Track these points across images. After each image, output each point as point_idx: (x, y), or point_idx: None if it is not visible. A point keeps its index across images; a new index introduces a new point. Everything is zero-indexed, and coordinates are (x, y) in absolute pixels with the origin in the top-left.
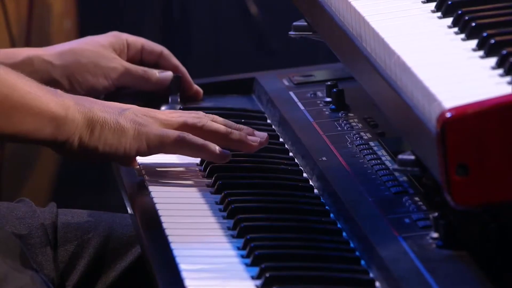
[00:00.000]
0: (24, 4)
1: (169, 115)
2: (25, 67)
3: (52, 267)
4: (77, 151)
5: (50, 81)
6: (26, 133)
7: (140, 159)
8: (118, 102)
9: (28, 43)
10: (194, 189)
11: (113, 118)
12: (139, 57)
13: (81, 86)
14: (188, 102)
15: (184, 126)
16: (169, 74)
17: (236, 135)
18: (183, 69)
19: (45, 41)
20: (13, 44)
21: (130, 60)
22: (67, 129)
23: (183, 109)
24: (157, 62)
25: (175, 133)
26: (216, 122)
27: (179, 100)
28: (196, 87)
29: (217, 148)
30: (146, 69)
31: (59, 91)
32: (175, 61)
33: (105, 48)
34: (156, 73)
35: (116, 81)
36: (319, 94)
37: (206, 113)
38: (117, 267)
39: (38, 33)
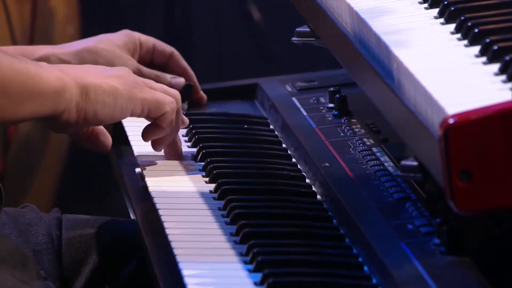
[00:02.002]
0: (27, 9)
1: (149, 84)
2: None
3: (58, 273)
4: (75, 119)
5: None
6: (31, 115)
7: (143, 163)
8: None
9: None
10: (197, 194)
11: (104, 81)
12: (150, 57)
13: None
14: (191, 107)
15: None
16: (181, 80)
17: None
18: (191, 72)
19: None
20: None
21: (141, 59)
22: (64, 99)
23: (186, 114)
24: (167, 63)
25: (173, 103)
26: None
27: (186, 107)
28: (201, 93)
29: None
30: (159, 73)
31: (44, 63)
32: (184, 63)
33: (120, 48)
34: (168, 78)
35: None
36: (322, 100)
37: (208, 118)
38: (122, 273)
39: (41, 38)
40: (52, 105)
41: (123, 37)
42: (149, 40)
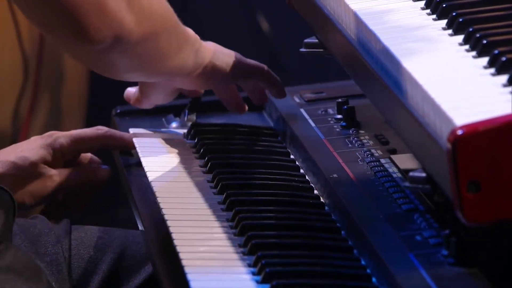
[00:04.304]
0: None
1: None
2: None
3: (67, 284)
4: (208, 75)
5: None
6: (176, 70)
7: (151, 174)
8: None
9: (40, 63)
10: (205, 206)
11: (212, 46)
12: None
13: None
14: (198, 117)
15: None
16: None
17: None
18: (127, 140)
19: (57, 61)
20: (25, 64)
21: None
22: (202, 55)
23: (195, 125)
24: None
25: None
26: None
27: (195, 118)
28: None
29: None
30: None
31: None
32: (114, 138)
33: (34, 167)
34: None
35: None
36: (330, 111)
37: (216, 129)
38: (130, 284)
39: (51, 52)
40: (194, 58)
41: (40, 151)
42: (72, 148)
